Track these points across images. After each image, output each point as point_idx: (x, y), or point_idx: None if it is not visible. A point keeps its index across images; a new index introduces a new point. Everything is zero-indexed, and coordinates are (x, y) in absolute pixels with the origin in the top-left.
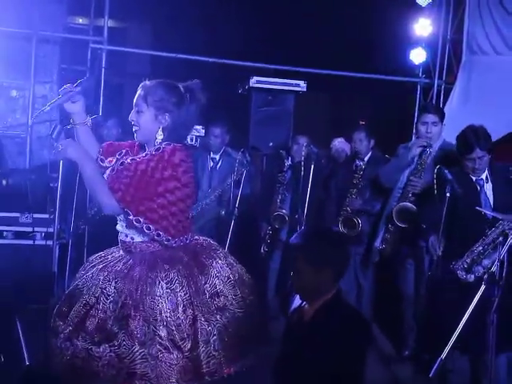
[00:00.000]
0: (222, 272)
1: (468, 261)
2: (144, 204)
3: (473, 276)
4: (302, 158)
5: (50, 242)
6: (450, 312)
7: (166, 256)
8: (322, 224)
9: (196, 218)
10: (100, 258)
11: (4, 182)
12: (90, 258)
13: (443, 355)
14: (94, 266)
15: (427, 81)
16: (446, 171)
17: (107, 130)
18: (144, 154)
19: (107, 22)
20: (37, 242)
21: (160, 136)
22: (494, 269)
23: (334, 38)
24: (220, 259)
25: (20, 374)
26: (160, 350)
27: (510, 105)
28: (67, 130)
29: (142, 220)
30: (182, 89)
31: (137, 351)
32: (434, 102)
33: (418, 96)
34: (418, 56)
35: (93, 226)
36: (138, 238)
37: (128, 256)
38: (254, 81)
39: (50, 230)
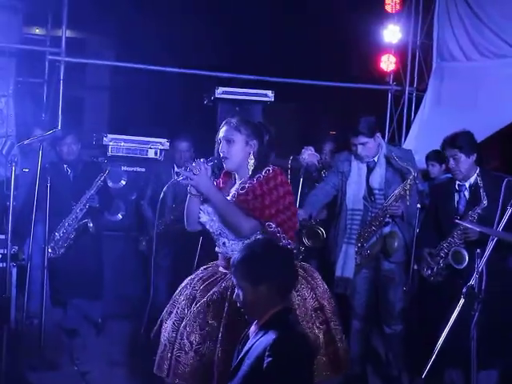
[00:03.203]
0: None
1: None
2: (279, 216)
3: (429, 271)
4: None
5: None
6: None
7: None
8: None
9: (161, 234)
10: (207, 279)
11: None
12: (191, 281)
13: (423, 374)
14: (208, 285)
15: (398, 88)
16: (417, 182)
17: (67, 146)
18: (257, 177)
19: (65, 33)
20: None
21: (251, 160)
22: (472, 282)
23: (301, 46)
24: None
25: None
26: None
27: (482, 111)
28: (20, 146)
29: (280, 230)
30: (257, 122)
31: None
32: (405, 109)
33: (389, 104)
34: (387, 63)
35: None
36: None
37: None
38: (219, 91)
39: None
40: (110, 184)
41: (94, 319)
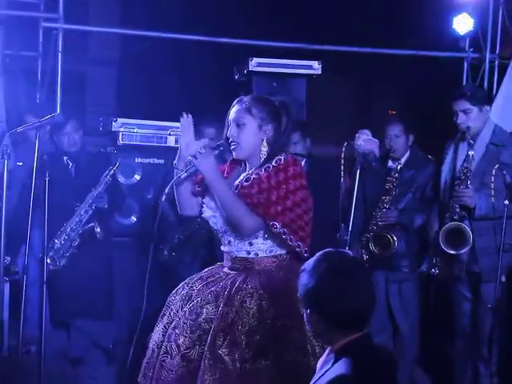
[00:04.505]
0: None
1: None
2: (286, 215)
3: None
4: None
5: None
6: None
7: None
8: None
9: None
10: (207, 278)
11: None
12: (189, 281)
13: None
14: (207, 284)
15: (476, 55)
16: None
17: (67, 136)
18: (265, 167)
19: None
20: None
21: (265, 148)
22: None
23: (354, 7)
24: None
25: None
26: None
27: None
28: (12, 135)
29: (287, 231)
30: (275, 102)
31: (302, 361)
32: (485, 81)
33: (465, 75)
34: (463, 25)
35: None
36: (262, 253)
37: (255, 272)
38: (254, 63)
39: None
40: (120, 180)
41: (103, 345)
